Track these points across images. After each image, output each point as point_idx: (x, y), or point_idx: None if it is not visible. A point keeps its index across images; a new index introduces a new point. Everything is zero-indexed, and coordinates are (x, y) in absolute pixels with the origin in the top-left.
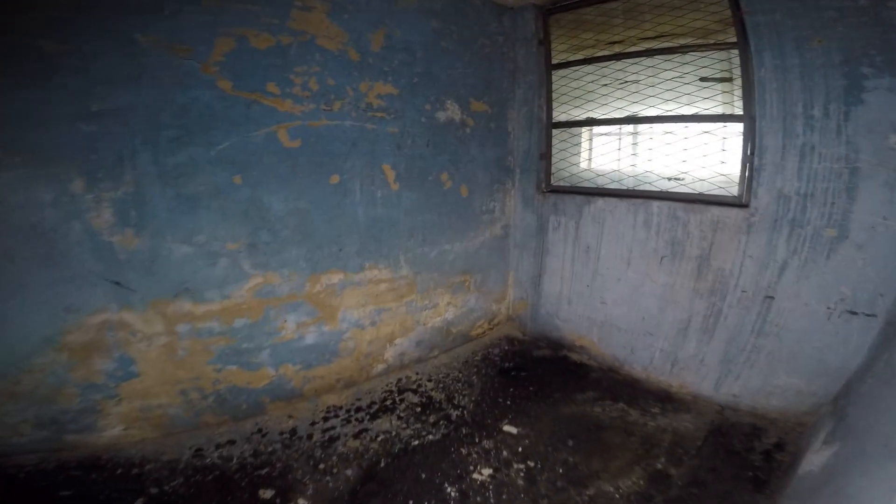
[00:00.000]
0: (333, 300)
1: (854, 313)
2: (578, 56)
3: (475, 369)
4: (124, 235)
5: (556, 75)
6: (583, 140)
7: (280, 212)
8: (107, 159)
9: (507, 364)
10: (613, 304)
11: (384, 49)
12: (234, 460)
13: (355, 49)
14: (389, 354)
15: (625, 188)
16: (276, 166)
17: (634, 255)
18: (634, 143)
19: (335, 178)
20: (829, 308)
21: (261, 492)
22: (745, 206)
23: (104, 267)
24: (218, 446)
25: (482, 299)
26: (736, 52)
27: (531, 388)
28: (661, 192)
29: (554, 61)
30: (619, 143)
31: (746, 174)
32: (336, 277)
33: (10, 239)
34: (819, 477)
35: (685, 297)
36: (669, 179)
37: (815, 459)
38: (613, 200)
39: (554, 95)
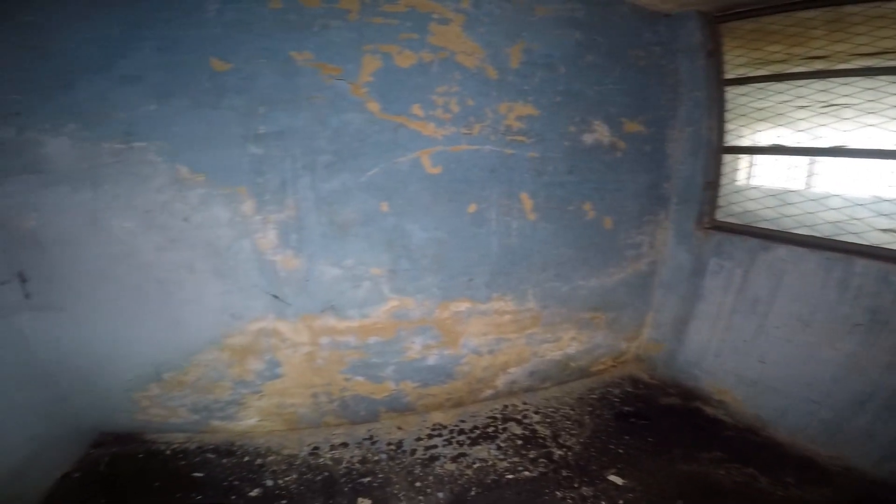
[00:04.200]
0: (458, 327)
1: None
2: (763, 71)
3: (589, 408)
4: (285, 256)
5: (732, 92)
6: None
7: (420, 241)
8: (272, 183)
9: (626, 408)
10: (774, 365)
11: (523, 65)
12: (343, 464)
13: (493, 66)
14: (500, 381)
15: (818, 236)
16: (419, 194)
17: (817, 317)
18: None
19: (472, 207)
20: None
21: (360, 500)
22: None
23: (266, 282)
24: (332, 447)
25: (610, 336)
26: None
27: (650, 440)
28: (871, 246)
29: (728, 76)
30: (807, 175)
31: None
32: (464, 306)
33: (192, 253)
34: None
35: (874, 371)
36: (885, 231)
37: None
38: (800, 250)
39: (729, 116)
